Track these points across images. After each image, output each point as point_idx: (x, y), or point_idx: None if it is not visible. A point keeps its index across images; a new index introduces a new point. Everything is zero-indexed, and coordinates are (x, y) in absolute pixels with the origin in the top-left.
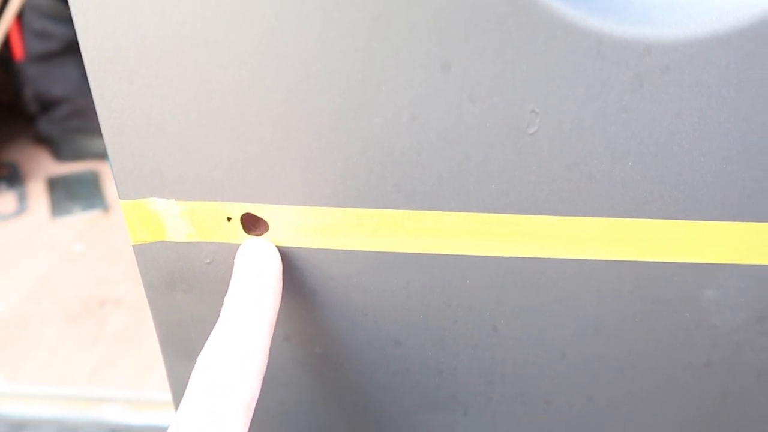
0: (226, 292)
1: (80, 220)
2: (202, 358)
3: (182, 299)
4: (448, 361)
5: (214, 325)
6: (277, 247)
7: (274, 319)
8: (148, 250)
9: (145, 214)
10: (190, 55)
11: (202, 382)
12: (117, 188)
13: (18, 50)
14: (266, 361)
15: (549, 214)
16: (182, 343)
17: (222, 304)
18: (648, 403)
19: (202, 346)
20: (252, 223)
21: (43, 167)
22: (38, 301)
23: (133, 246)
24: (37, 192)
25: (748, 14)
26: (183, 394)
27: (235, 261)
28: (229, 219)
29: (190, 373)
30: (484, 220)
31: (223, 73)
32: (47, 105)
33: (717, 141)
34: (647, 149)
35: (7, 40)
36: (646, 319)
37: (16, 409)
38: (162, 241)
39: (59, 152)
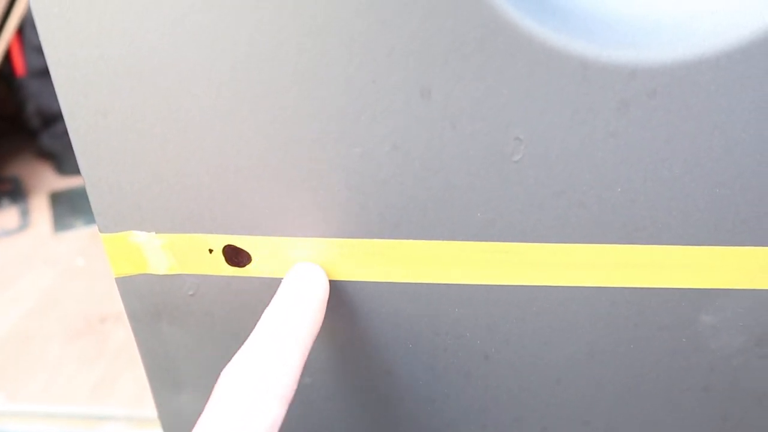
0: (210, 323)
1: (82, 234)
2: (225, 376)
3: (167, 330)
4: (440, 389)
5: (200, 355)
6: (260, 278)
7: (310, 345)
8: (131, 283)
9: (126, 247)
10: (164, 87)
11: (223, 401)
12: (97, 221)
13: (19, 66)
14: (294, 387)
15: (537, 242)
16: (169, 374)
17: (206, 334)
18: (646, 427)
19: (189, 377)
20: (234, 255)
21: (45, 182)
22: (40, 317)
23: (115, 278)
24: (40, 207)
25: (735, 36)
26: (172, 425)
27: (282, 281)
28: (210, 251)
29: (178, 404)
30: (470, 249)
31: (198, 105)
32: (49, 120)
33: (708, 165)
34: (637, 175)
35: (8, 56)
36: (642, 344)
37: (18, 428)
38: (144, 274)
39: (62, 166)
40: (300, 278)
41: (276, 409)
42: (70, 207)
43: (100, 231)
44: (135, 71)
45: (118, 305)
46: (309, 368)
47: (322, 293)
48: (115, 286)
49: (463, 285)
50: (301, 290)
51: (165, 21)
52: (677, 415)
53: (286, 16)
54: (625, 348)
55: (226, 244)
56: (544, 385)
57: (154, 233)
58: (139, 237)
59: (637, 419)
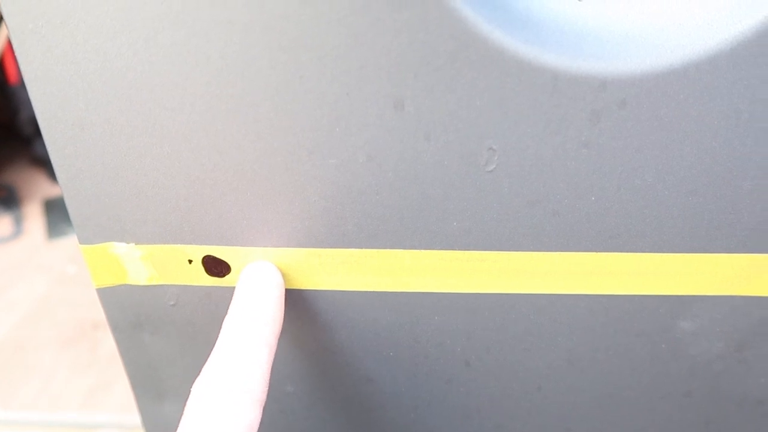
0: (192, 332)
1: (75, 241)
2: (196, 389)
3: (149, 340)
4: (422, 396)
5: (182, 364)
6: None
7: (275, 344)
8: (112, 294)
9: (106, 258)
10: (140, 101)
11: (196, 413)
12: (76, 233)
13: (12, 74)
14: (266, 388)
15: (513, 250)
16: (153, 384)
17: (188, 343)
18: None
19: (172, 385)
20: (214, 265)
21: (39, 189)
22: (33, 324)
23: (96, 289)
24: (34, 214)
25: (702, 48)
26: None
27: (237, 284)
28: (190, 261)
29: (162, 412)
30: (447, 257)
31: (173, 119)
32: None
33: (680, 174)
34: (610, 184)
35: (1, 64)
36: (621, 351)
37: None
38: (125, 284)
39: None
40: (254, 279)
41: (252, 412)
42: (64, 214)
43: (80, 242)
44: (111, 86)
45: None
46: (291, 377)
47: (279, 290)
48: None
49: (442, 293)
50: (257, 291)
51: (139, 36)
52: (659, 420)
53: (260, 32)
54: (604, 355)
55: (205, 254)
56: (526, 391)
57: (133, 244)
58: (118, 248)
59: (618, 425)
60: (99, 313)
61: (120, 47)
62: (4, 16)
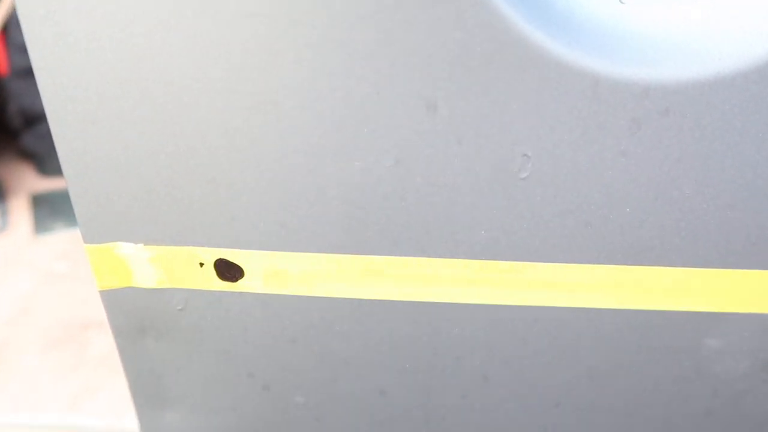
0: (200, 339)
1: (63, 238)
2: None
3: (153, 347)
4: (436, 410)
5: (188, 372)
6: (253, 293)
7: None
8: (116, 297)
9: (111, 259)
10: (155, 95)
11: None
12: (81, 232)
13: (2, 65)
14: None
15: (541, 261)
16: (154, 391)
17: (195, 351)
18: None
19: (176, 394)
20: (226, 269)
21: (27, 183)
22: (19, 324)
23: (99, 292)
24: (20, 208)
25: (752, 56)
26: None
27: None
28: (201, 265)
29: (163, 421)
30: (473, 267)
31: (190, 113)
32: (32, 120)
33: (720, 186)
34: (646, 195)
35: None
36: (643, 368)
37: None
38: (130, 287)
39: (44, 167)
40: None
41: None
42: (51, 209)
43: (85, 242)
44: (125, 77)
45: (100, 312)
46: (302, 387)
47: None
48: (97, 292)
49: (464, 304)
50: None
51: (158, 27)
52: None
53: (285, 26)
54: (626, 371)
55: (217, 257)
56: (544, 408)
57: (142, 245)
58: (125, 249)
59: None
60: (87, 314)
61: (137, 37)
62: (16, 1)
